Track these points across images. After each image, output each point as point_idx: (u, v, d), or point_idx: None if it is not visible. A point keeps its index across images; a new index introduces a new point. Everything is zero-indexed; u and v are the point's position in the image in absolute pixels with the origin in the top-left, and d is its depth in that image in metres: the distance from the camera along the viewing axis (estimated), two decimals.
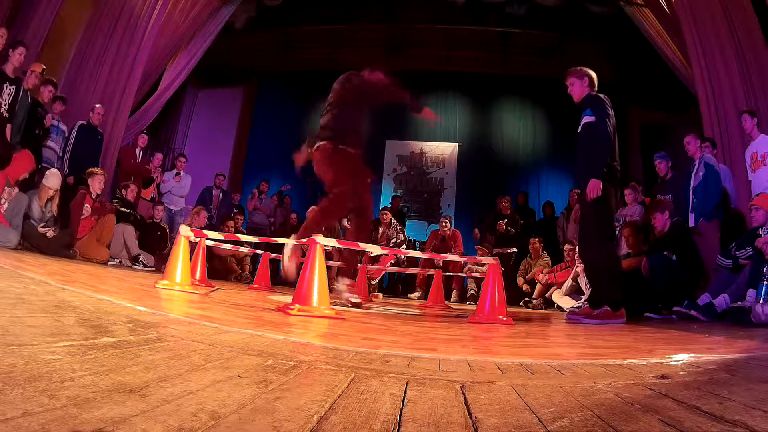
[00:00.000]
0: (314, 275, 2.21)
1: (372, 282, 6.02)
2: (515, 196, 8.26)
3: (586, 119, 3.40)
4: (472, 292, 6.41)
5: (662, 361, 1.35)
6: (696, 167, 4.77)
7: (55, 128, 5.35)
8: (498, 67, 9.68)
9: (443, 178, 9.80)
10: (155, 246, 5.79)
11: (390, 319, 2.69)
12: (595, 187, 3.18)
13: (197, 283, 3.62)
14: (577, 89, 3.53)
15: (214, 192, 7.59)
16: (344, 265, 3.80)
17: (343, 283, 3.42)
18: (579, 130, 3.49)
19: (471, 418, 0.70)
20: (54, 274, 2.52)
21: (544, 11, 8.66)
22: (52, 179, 4.73)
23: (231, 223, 6.50)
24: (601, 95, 3.43)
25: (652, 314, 3.96)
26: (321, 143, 3.37)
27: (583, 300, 4.96)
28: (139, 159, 6.58)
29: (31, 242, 4.45)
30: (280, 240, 3.44)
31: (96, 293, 1.85)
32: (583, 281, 5.24)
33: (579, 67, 3.58)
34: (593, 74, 3.53)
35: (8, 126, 4.63)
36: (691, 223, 4.68)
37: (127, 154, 6.55)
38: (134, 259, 5.38)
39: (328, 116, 3.46)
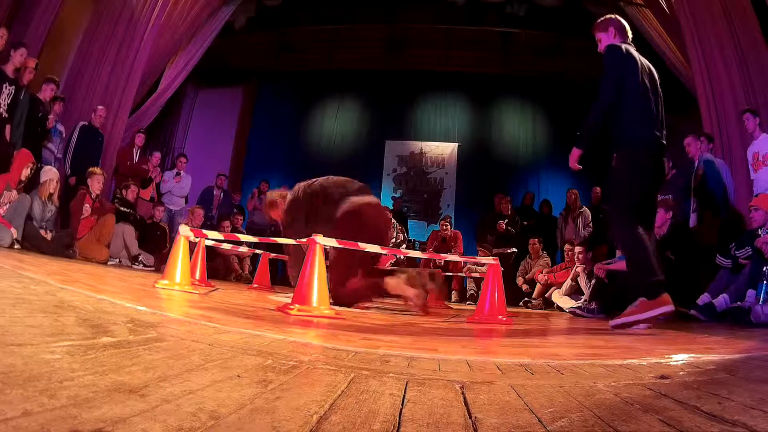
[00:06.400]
0: (314, 275, 2.21)
1: None
2: (522, 196, 8.26)
3: None
4: (471, 292, 6.41)
5: (662, 361, 1.35)
6: (696, 168, 4.77)
7: (54, 129, 5.36)
8: (498, 67, 9.68)
9: (443, 178, 9.80)
10: (155, 246, 5.80)
11: (390, 319, 2.69)
12: (570, 157, 2.76)
13: (197, 283, 3.62)
14: (605, 44, 2.92)
15: (215, 192, 7.59)
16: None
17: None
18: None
19: (470, 418, 0.70)
20: (54, 274, 2.52)
21: (544, 11, 8.66)
22: (49, 173, 4.81)
23: (227, 222, 6.50)
24: (613, 45, 2.84)
25: None
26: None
27: (582, 300, 4.96)
28: (136, 158, 6.58)
29: (31, 242, 4.46)
30: (280, 240, 3.44)
31: (96, 293, 1.85)
32: (582, 281, 5.24)
33: (602, 19, 2.99)
34: (620, 20, 2.94)
35: (8, 126, 4.63)
36: (692, 223, 4.69)
37: (123, 155, 6.54)
38: (134, 259, 5.38)
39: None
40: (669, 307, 2.48)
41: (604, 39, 2.94)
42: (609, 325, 2.64)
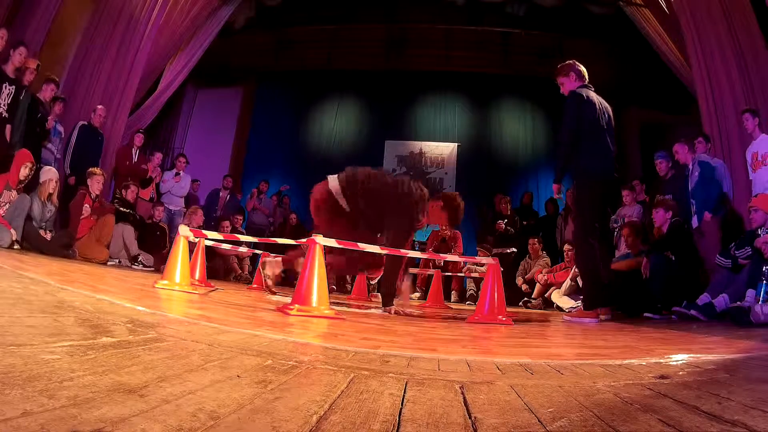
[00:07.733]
0: (314, 275, 2.21)
1: (372, 282, 6.02)
2: (521, 196, 8.25)
3: None
4: (471, 292, 6.41)
5: (661, 361, 1.35)
6: (691, 170, 4.78)
7: (54, 129, 5.35)
8: (498, 67, 9.67)
9: (443, 179, 9.79)
10: (155, 246, 5.79)
11: (389, 319, 2.69)
12: (554, 191, 3.47)
13: (197, 283, 3.62)
14: (567, 88, 3.48)
15: (221, 194, 7.61)
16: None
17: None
18: None
19: (470, 418, 0.70)
20: (53, 274, 2.52)
21: (544, 11, 8.67)
22: (49, 173, 4.80)
23: (226, 223, 6.49)
24: (575, 92, 3.34)
25: (651, 314, 3.96)
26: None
27: (582, 299, 4.96)
28: (135, 158, 6.57)
29: (30, 242, 4.45)
30: (280, 240, 3.45)
31: (95, 293, 1.85)
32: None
33: (562, 64, 3.53)
34: (578, 66, 3.46)
35: (8, 126, 4.63)
36: (694, 225, 4.68)
37: (123, 155, 6.53)
38: (133, 259, 5.37)
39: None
40: (592, 321, 3.10)
41: (566, 83, 3.47)
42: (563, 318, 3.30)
